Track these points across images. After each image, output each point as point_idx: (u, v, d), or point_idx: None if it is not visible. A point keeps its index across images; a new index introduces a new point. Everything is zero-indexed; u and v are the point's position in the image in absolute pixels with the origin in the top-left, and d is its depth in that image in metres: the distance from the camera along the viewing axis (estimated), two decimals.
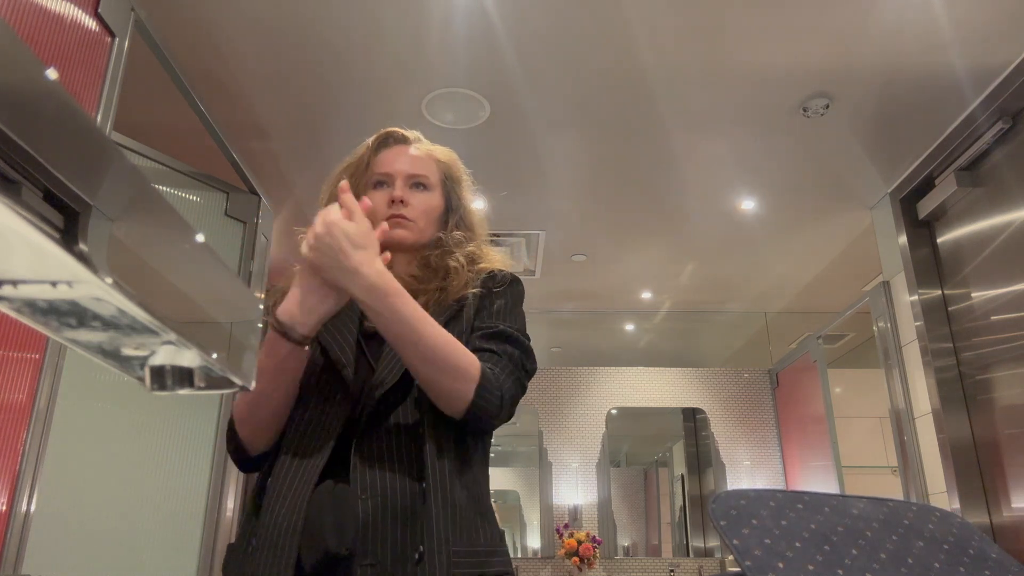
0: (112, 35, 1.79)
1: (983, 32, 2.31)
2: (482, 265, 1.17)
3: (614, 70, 2.56)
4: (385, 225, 1.05)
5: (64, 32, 1.61)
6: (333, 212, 0.97)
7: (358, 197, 1.03)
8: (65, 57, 1.62)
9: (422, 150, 1.23)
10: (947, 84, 2.55)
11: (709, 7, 2.26)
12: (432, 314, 1.03)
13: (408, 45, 2.45)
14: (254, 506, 1.05)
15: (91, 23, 1.72)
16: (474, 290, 1.12)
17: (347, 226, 0.96)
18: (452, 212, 1.23)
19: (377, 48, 2.46)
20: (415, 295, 1.05)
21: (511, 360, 1.08)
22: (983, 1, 2.19)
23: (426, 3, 2.27)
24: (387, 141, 1.24)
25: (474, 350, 1.05)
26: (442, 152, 1.26)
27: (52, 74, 0.29)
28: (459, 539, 0.97)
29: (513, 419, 1.12)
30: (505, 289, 1.15)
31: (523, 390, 1.09)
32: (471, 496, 1.03)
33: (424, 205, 1.18)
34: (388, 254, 1.01)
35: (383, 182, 1.19)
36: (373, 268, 0.96)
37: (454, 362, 0.98)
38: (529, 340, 1.14)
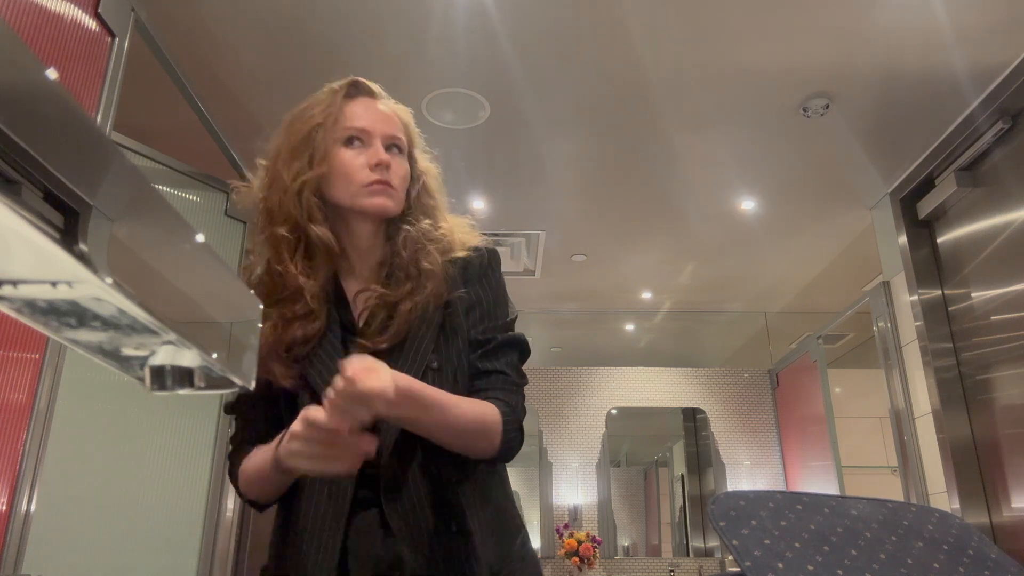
0: (112, 35, 1.79)
1: (983, 32, 2.31)
2: (454, 254, 1.07)
3: (614, 70, 2.56)
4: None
5: (64, 32, 1.61)
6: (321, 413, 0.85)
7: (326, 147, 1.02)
8: (65, 57, 1.62)
9: (390, 107, 1.11)
10: (947, 84, 2.55)
11: (709, 7, 2.26)
12: (420, 326, 1.01)
13: (408, 45, 2.45)
14: (280, 536, 1.02)
15: (91, 23, 1.72)
16: (458, 293, 1.05)
17: (360, 390, 0.82)
18: (415, 180, 1.11)
19: (377, 48, 2.46)
20: (393, 307, 1.00)
21: (514, 370, 1.07)
22: (983, 1, 2.19)
23: (426, 3, 2.27)
24: (354, 91, 1.11)
25: (479, 373, 1.04)
26: (403, 111, 1.14)
27: (52, 74, 0.30)
28: (496, 550, 1.00)
29: None
30: (485, 276, 1.09)
31: (525, 382, 1.09)
32: (499, 508, 1.05)
33: (402, 170, 1.07)
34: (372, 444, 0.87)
35: (357, 139, 1.05)
36: (391, 396, 0.84)
37: (480, 430, 0.97)
38: (515, 316, 1.11)
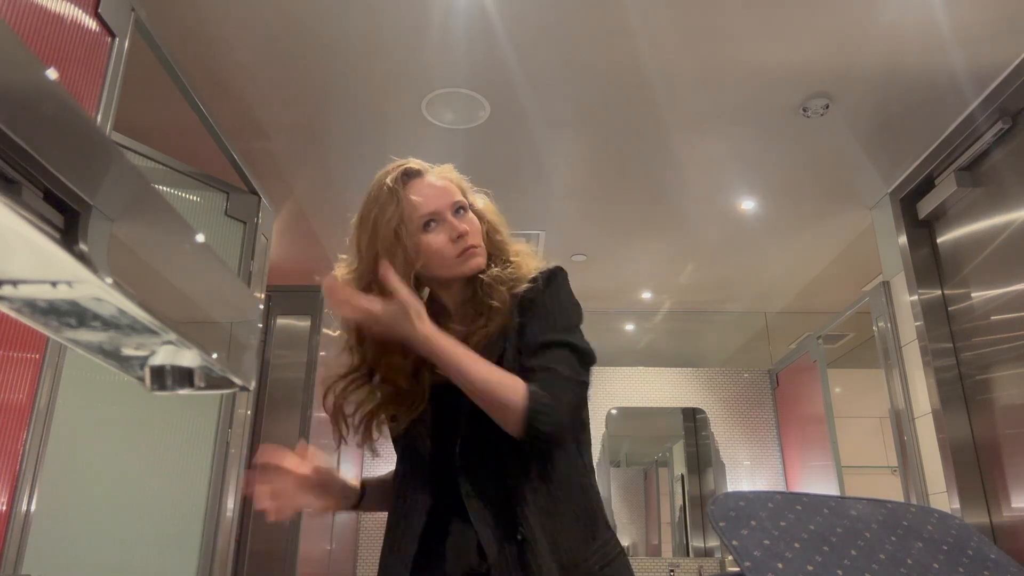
0: (112, 35, 1.79)
1: (983, 32, 2.31)
2: (520, 288, 1.19)
3: (614, 70, 2.56)
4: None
5: (64, 32, 1.61)
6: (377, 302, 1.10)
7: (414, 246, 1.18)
8: (65, 57, 1.62)
9: (440, 177, 1.25)
10: (947, 84, 2.55)
11: (709, 7, 2.26)
12: (483, 354, 1.10)
13: (408, 45, 2.45)
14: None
15: (91, 23, 1.72)
16: (518, 321, 1.17)
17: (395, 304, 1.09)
18: (483, 222, 1.27)
19: (377, 48, 2.46)
20: (466, 339, 1.14)
21: (565, 365, 1.10)
22: (983, 1, 2.19)
23: (426, 3, 2.27)
24: (407, 178, 1.23)
25: (524, 371, 1.09)
26: (449, 171, 1.28)
27: (52, 74, 0.29)
28: (555, 565, 1.03)
29: None
30: (540, 294, 1.18)
31: (584, 389, 1.12)
32: (565, 516, 1.08)
33: (475, 227, 1.23)
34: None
35: (432, 221, 1.19)
36: (424, 327, 1.08)
37: (500, 393, 1.05)
38: (579, 328, 1.18)
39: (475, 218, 1.25)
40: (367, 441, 1.22)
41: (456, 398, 1.10)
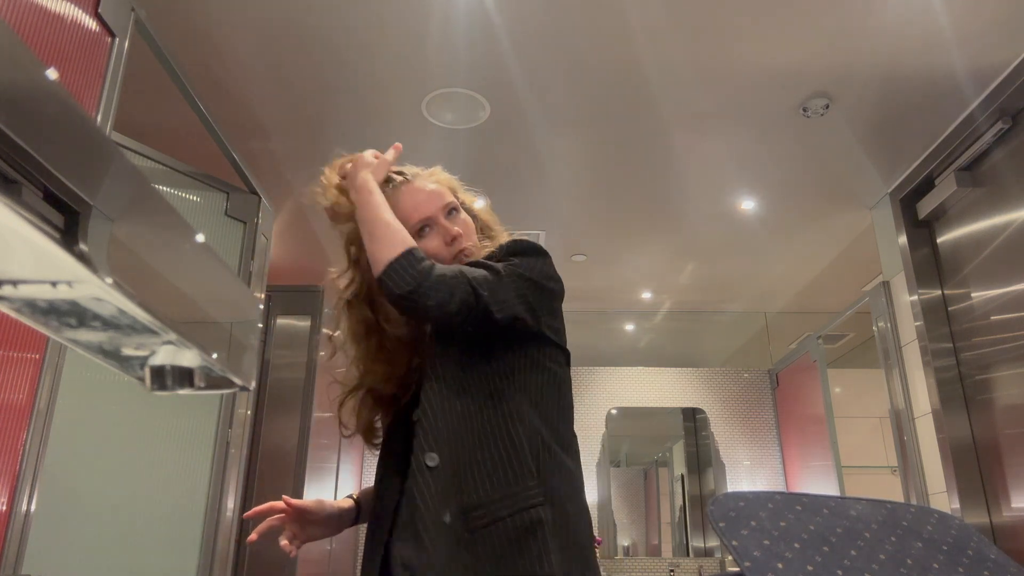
0: (112, 35, 1.79)
1: (983, 32, 2.31)
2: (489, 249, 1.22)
3: (614, 70, 2.55)
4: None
5: (64, 32, 1.61)
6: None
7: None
8: (65, 57, 1.62)
9: (429, 179, 1.28)
10: (947, 84, 2.55)
11: (709, 7, 2.26)
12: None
13: (408, 45, 2.45)
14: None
15: (91, 23, 1.72)
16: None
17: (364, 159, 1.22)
18: (476, 220, 1.29)
19: (377, 48, 2.46)
20: None
21: (472, 274, 1.09)
22: (983, 1, 2.19)
23: (426, 3, 2.27)
24: (398, 185, 1.27)
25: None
26: (438, 172, 1.31)
27: (52, 74, 0.30)
28: (459, 499, 1.03)
29: None
30: (499, 250, 1.19)
31: (472, 294, 1.07)
32: (481, 450, 1.06)
33: (468, 227, 1.25)
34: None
35: (426, 227, 1.23)
36: (362, 177, 1.18)
37: (384, 241, 1.09)
38: (524, 275, 1.14)
39: (468, 218, 1.27)
40: (367, 437, 1.28)
41: (424, 381, 1.13)
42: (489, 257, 1.18)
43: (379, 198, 1.15)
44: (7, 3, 1.42)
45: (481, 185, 1.35)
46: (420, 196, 1.23)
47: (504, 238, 1.28)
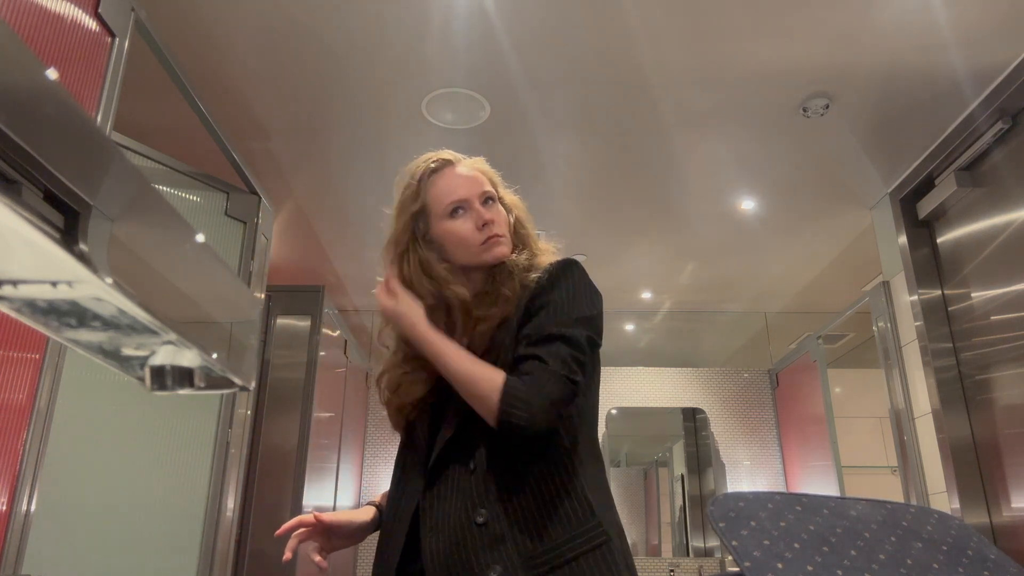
0: (112, 35, 1.79)
1: (983, 32, 2.31)
2: (531, 278, 1.20)
3: (614, 70, 2.55)
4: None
5: (64, 32, 1.61)
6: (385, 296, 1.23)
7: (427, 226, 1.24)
8: (65, 57, 1.62)
9: (470, 167, 1.28)
10: (947, 84, 2.55)
11: (709, 7, 2.26)
12: (488, 343, 1.14)
13: (408, 45, 2.45)
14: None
15: (91, 23, 1.72)
16: (523, 310, 1.17)
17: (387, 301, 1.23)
18: (509, 214, 1.29)
19: (377, 48, 2.46)
20: (476, 323, 1.19)
21: (555, 358, 1.08)
22: (983, 1, 2.19)
23: (426, 3, 2.27)
24: (438, 168, 1.27)
25: (518, 359, 1.10)
26: (480, 163, 1.31)
27: (52, 74, 0.30)
28: (518, 549, 1.04)
29: None
30: (549, 287, 1.17)
31: (569, 385, 1.08)
32: (535, 501, 1.07)
33: (502, 217, 1.26)
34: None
35: (459, 208, 1.23)
36: (419, 327, 1.17)
37: (478, 387, 1.07)
38: (588, 319, 1.15)
39: (503, 210, 1.28)
40: (398, 424, 1.28)
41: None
42: (536, 290, 1.16)
43: (438, 345, 1.14)
44: (7, 3, 1.42)
45: None
46: (458, 180, 1.24)
47: (539, 246, 1.29)
